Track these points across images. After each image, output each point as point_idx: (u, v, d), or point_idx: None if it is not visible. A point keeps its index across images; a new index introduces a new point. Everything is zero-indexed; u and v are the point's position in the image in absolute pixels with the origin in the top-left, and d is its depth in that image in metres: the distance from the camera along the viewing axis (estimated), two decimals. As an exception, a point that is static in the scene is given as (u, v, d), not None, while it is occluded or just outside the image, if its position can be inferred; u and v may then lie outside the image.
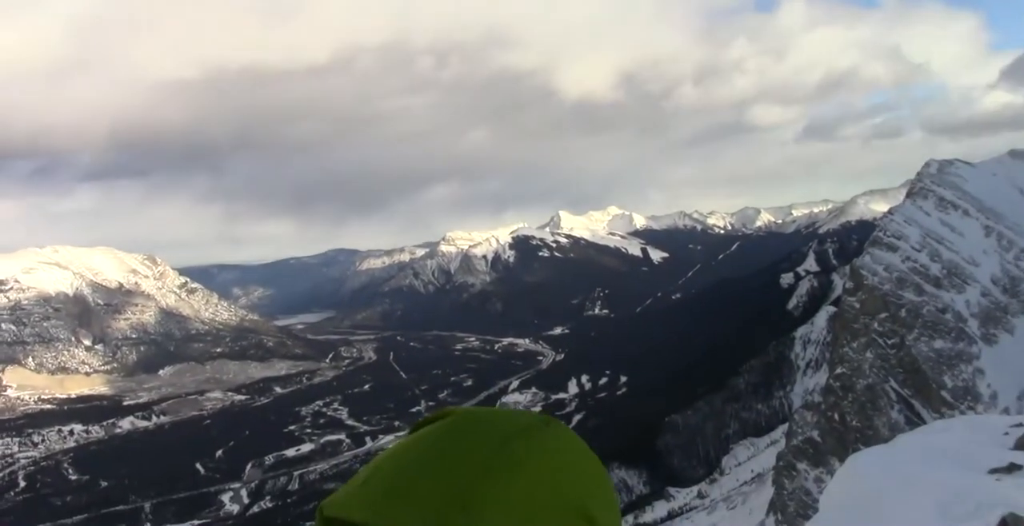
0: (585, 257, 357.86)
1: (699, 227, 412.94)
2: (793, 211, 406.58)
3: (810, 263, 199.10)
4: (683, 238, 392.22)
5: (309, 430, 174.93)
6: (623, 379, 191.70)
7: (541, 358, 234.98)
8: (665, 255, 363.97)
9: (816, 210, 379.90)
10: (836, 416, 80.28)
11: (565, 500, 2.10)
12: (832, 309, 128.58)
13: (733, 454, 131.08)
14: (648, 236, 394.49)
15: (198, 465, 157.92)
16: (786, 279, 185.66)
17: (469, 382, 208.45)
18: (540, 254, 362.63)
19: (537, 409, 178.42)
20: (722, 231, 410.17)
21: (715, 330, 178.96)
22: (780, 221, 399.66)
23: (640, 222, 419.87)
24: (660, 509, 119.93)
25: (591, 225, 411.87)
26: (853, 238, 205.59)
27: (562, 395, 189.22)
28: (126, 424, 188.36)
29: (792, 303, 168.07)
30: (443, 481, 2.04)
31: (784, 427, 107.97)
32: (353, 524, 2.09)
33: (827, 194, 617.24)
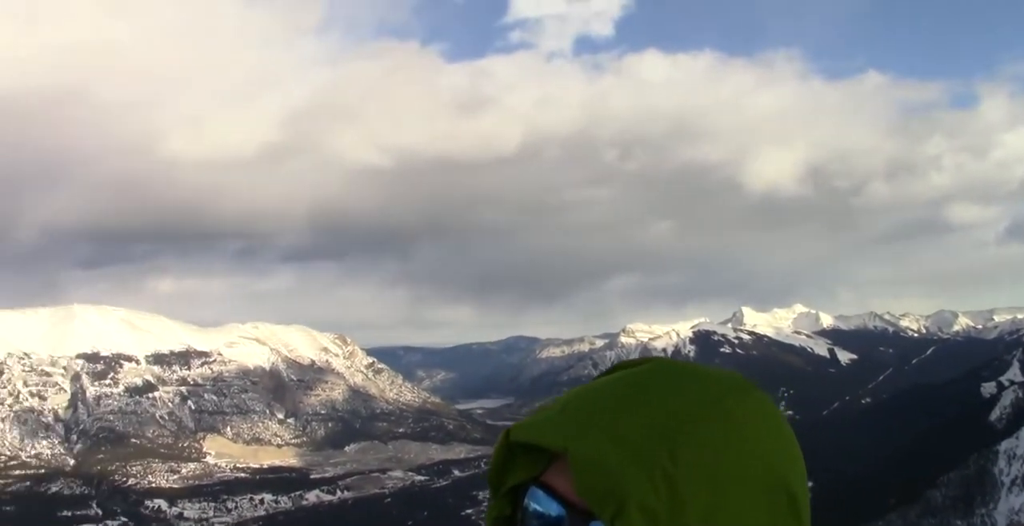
0: (769, 355, 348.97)
1: (891, 329, 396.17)
2: (995, 316, 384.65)
3: (1014, 372, 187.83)
4: (873, 340, 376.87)
5: (485, 515, 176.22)
6: (808, 484, 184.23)
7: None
8: (854, 357, 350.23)
9: (1021, 316, 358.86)
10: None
11: (772, 468, 2.04)
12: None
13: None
14: (836, 336, 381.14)
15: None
16: (988, 388, 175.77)
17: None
18: (722, 350, 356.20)
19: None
20: (916, 334, 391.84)
21: (907, 438, 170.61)
22: (980, 326, 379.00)
23: (827, 321, 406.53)
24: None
25: (775, 322, 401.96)
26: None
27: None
28: (312, 497, 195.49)
29: (995, 415, 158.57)
30: (650, 420, 1.96)
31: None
32: (545, 450, 2.02)
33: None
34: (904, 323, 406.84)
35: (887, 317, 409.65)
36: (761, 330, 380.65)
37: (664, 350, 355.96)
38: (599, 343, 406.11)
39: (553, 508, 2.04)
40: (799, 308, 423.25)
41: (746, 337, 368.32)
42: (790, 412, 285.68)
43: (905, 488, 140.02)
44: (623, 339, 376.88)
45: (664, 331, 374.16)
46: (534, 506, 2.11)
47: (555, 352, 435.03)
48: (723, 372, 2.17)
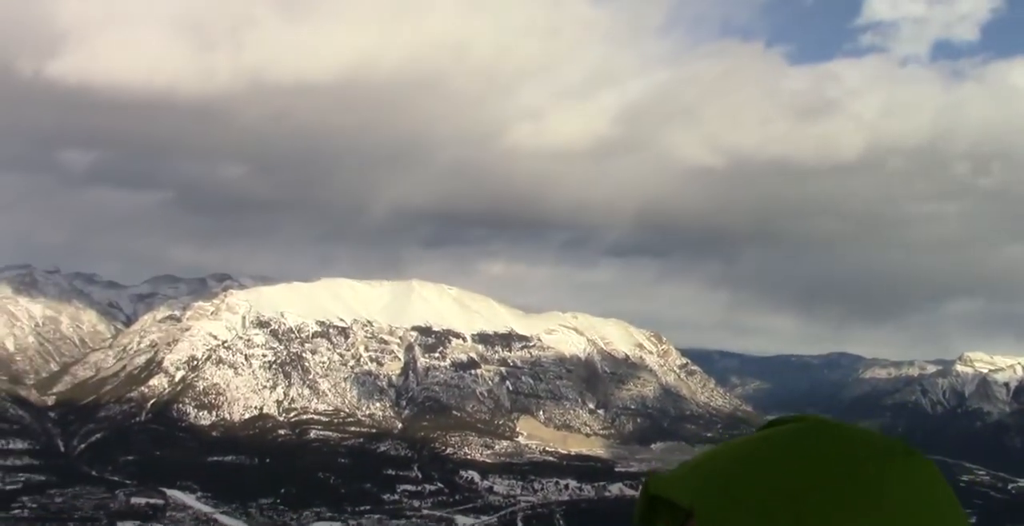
0: None
1: None
2: None
3: None
4: None
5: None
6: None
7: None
8: None
9: None
10: None
11: None
12: None
13: None
14: None
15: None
16: None
17: (973, 518, 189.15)
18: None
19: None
20: None
21: None
22: None
23: None
24: None
25: None
26: None
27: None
28: (615, 489, 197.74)
29: None
30: (782, 484, 1.90)
31: None
32: (677, 506, 2.02)
33: None
34: None
35: None
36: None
37: (1006, 384, 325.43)
38: (930, 369, 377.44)
39: None
40: None
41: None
42: None
43: None
44: (959, 367, 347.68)
45: (1008, 363, 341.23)
46: None
47: (880, 373, 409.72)
48: (880, 436, 2.07)
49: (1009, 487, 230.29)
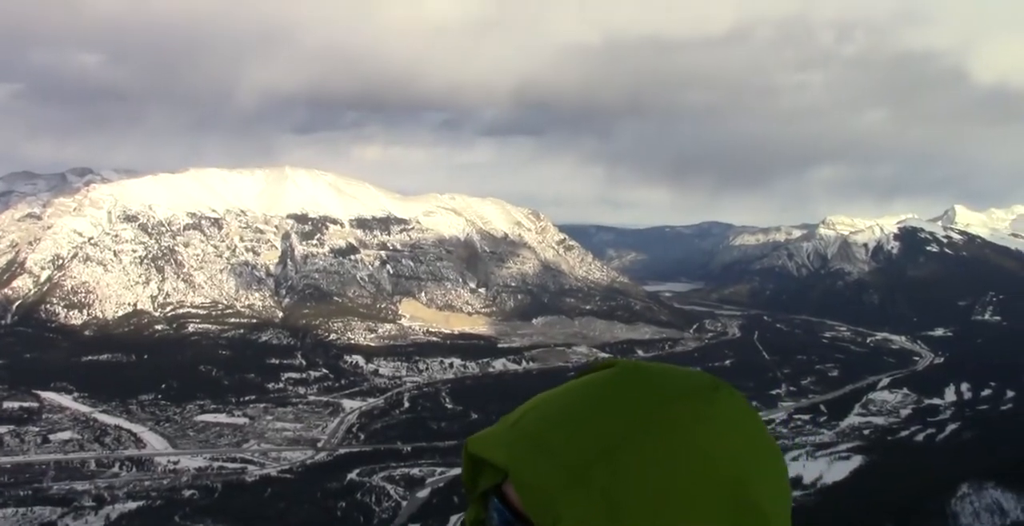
0: (980, 257, 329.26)
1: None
2: None
3: None
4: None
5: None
6: (1010, 394, 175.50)
7: (917, 358, 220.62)
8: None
9: None
10: None
11: (721, 474, 1.93)
12: None
13: None
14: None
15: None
16: None
17: (835, 372, 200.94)
18: (928, 248, 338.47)
19: (907, 412, 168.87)
20: None
21: None
22: None
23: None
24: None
25: (991, 223, 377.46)
26: None
27: (937, 401, 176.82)
28: (499, 365, 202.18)
29: None
30: (592, 434, 1.93)
31: None
32: (493, 465, 2.05)
33: None
34: None
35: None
36: (974, 230, 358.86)
37: (865, 245, 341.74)
38: (796, 233, 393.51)
39: (508, 518, 2.08)
40: (1019, 209, 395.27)
41: (956, 237, 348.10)
42: (997, 317, 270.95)
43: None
44: (822, 230, 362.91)
45: (867, 225, 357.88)
46: (494, 514, 2.16)
47: (749, 240, 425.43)
48: (687, 373, 2.10)
49: (868, 341, 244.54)
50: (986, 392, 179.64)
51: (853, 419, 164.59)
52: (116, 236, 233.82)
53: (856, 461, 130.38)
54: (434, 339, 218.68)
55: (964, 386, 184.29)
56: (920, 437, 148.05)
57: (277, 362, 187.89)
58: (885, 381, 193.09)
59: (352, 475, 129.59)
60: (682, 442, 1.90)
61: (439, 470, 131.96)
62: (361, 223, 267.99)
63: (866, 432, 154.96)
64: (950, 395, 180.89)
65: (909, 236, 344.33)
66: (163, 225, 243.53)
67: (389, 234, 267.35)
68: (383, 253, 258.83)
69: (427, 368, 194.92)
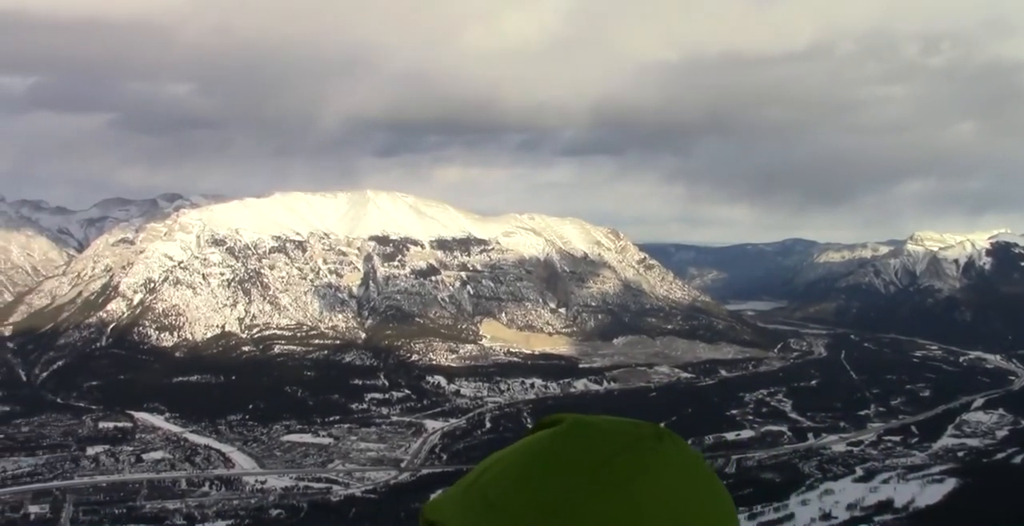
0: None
1: None
2: None
3: None
4: None
5: (751, 417, 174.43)
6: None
7: (1013, 378, 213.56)
8: None
9: None
10: None
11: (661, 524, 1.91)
12: None
13: None
14: None
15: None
16: None
17: (926, 392, 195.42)
18: (1022, 264, 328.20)
19: (1003, 433, 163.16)
20: None
21: None
22: None
23: None
24: None
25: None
26: None
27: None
28: (580, 385, 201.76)
29: None
30: (541, 495, 1.95)
31: None
32: None
33: None
34: None
35: None
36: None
37: (956, 260, 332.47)
38: (883, 250, 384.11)
39: None
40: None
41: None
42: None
43: None
44: (910, 247, 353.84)
45: (957, 240, 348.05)
46: None
47: (834, 257, 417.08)
48: (632, 425, 2.10)
49: (960, 360, 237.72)
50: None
51: (946, 441, 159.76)
52: (204, 259, 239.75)
53: (950, 484, 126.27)
54: (515, 359, 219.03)
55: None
56: (1018, 459, 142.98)
57: (360, 383, 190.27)
58: (979, 401, 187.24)
59: (435, 495, 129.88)
60: (626, 497, 1.90)
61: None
62: (441, 244, 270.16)
63: (960, 454, 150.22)
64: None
65: (1002, 251, 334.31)
66: (249, 248, 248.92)
67: (469, 255, 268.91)
68: (463, 274, 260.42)
69: (508, 388, 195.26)
